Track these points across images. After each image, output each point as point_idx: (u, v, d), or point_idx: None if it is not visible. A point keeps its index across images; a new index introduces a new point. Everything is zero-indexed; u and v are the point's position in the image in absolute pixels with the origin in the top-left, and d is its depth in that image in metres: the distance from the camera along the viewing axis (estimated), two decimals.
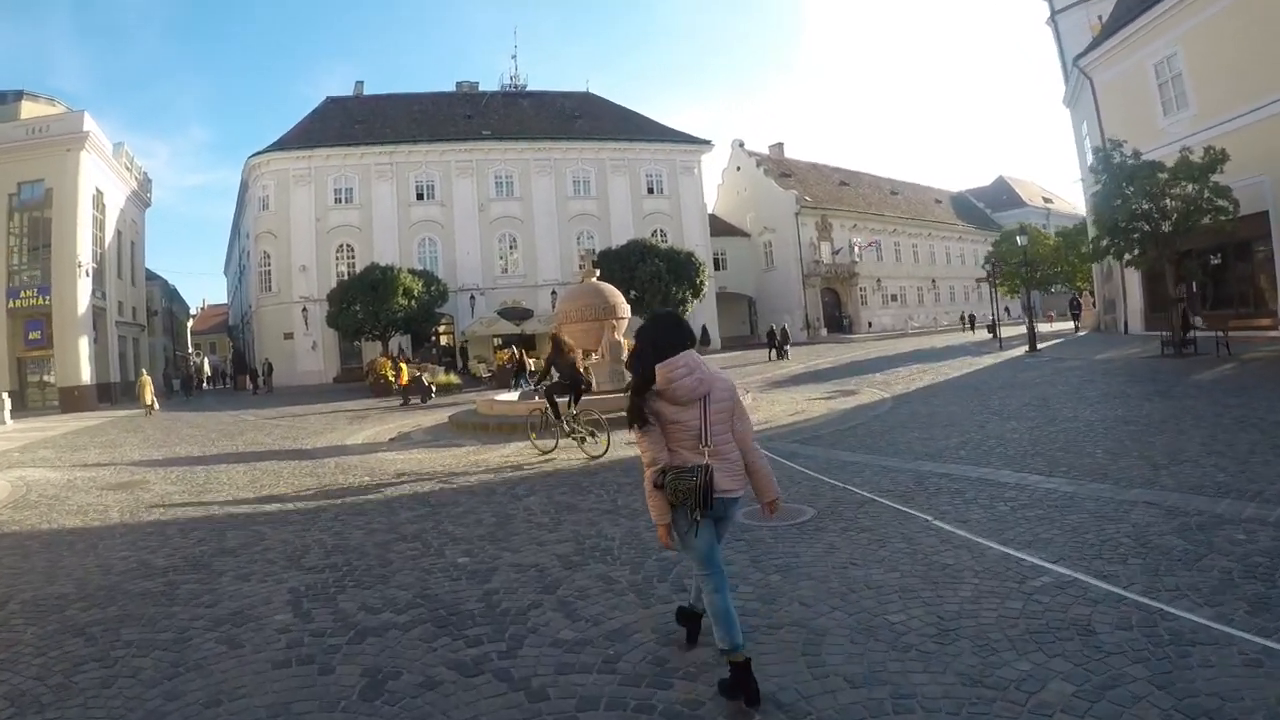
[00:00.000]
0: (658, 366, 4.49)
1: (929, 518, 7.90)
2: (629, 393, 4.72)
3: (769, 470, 4.90)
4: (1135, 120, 31.47)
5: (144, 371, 40.18)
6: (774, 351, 44.48)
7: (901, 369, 28.75)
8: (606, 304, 21.41)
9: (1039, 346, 33.31)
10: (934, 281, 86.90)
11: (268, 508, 11.17)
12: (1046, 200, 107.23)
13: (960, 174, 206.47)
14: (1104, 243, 27.13)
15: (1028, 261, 46.45)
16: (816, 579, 6.39)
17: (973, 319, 62.04)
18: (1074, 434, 12.17)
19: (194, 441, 21.82)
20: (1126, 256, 27.64)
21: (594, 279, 23.12)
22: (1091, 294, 58.59)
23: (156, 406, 36.00)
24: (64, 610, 6.80)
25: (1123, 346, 29.35)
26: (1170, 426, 12.07)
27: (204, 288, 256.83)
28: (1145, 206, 25.23)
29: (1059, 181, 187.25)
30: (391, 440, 19.52)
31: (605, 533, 8.40)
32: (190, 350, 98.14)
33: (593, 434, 14.47)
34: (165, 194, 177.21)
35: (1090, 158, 39.26)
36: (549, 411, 15.33)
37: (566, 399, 14.98)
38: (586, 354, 21.39)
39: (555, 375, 15.50)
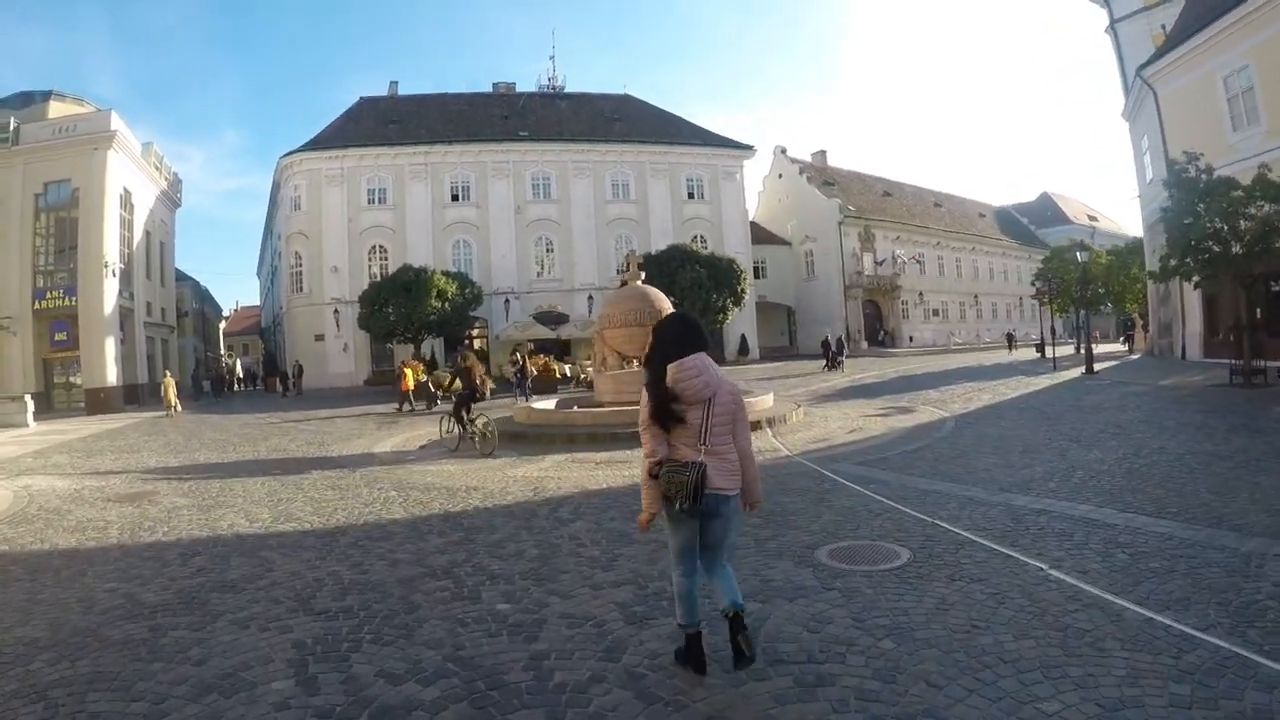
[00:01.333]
0: (670, 366, 4.73)
1: (1043, 566, 6.82)
2: (647, 390, 4.85)
3: (757, 476, 5.10)
4: (1201, 135, 29.67)
5: (168, 373, 39.58)
6: (829, 362, 43.32)
7: (954, 386, 27.71)
8: (652, 309, 20.13)
9: (1095, 369, 31.92)
10: (976, 297, 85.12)
11: (281, 528, 9.98)
12: (1091, 218, 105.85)
13: (1003, 188, 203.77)
14: (1172, 262, 25.70)
15: (1087, 279, 44.72)
16: (939, 648, 5.19)
17: (1011, 338, 60.06)
18: (1167, 468, 10.98)
19: (215, 447, 20.76)
20: (1195, 278, 26.19)
21: (639, 281, 21.83)
22: (1143, 316, 56.95)
23: (179, 408, 35.48)
24: (29, 662, 5.61)
25: (1184, 373, 27.87)
26: (1273, 465, 10.75)
27: (238, 289, 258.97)
28: (1217, 225, 23.72)
29: (1104, 199, 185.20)
30: (421, 448, 18.45)
31: (671, 573, 7.08)
32: (223, 352, 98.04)
33: (486, 436, 16.95)
34: (201, 198, 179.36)
35: (1150, 173, 38.36)
36: (456, 411, 17.97)
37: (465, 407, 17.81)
38: (626, 359, 20.96)
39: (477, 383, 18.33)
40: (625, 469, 13.06)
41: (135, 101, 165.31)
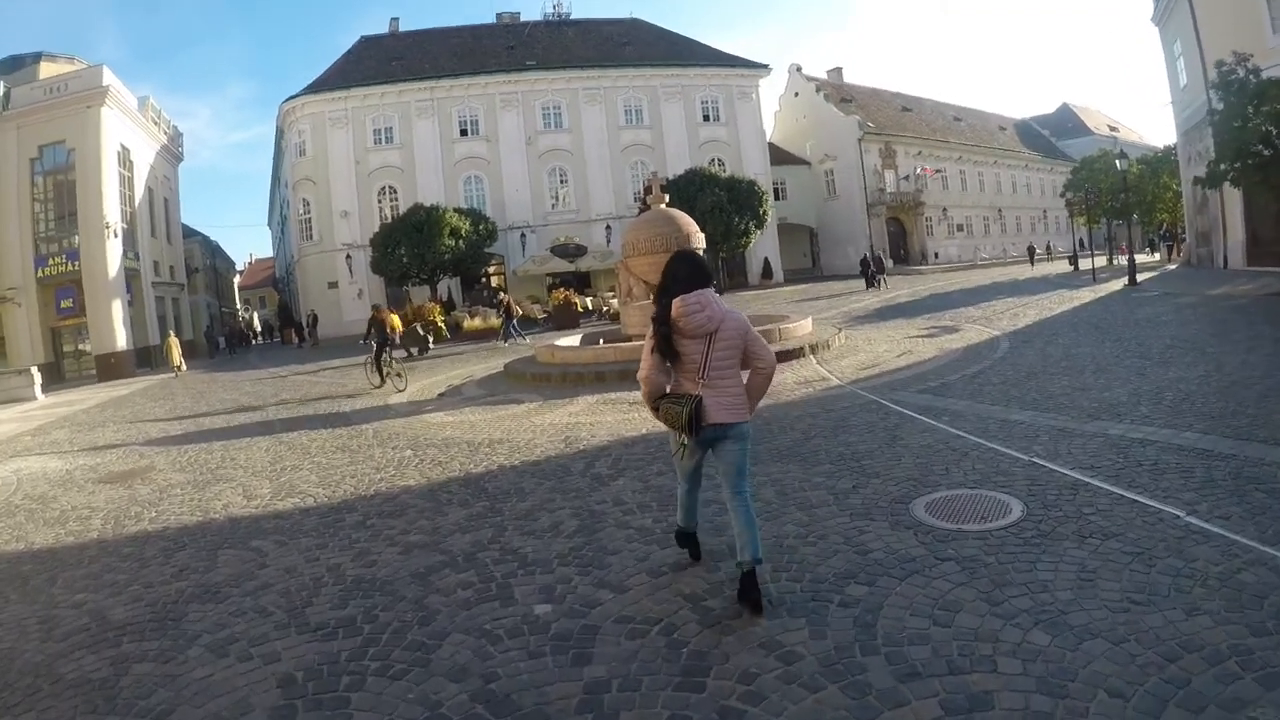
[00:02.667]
0: (674, 300, 4.83)
1: (1178, 513, 5.67)
2: (652, 323, 4.98)
3: (760, 394, 5.17)
4: (1239, 38, 27.77)
5: (171, 333, 38.90)
6: (869, 281, 42.27)
7: (993, 303, 26.34)
8: (680, 233, 18.68)
9: (1138, 280, 30.29)
10: (1000, 211, 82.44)
11: (281, 505, 8.72)
12: (1112, 129, 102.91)
13: (1021, 100, 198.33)
14: (1222, 167, 24.31)
15: (1127, 187, 43.00)
16: (1104, 638, 4.02)
17: (1032, 251, 58.07)
18: (1261, 387, 9.81)
19: (223, 408, 19.63)
20: (1245, 183, 24.96)
21: (663, 205, 20.32)
22: (1173, 226, 55.25)
23: (184, 368, 34.75)
24: None
25: (1231, 282, 26.26)
26: None
27: (252, 243, 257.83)
28: (1268, 129, 22.41)
29: (1124, 109, 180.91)
30: (440, 395, 17.35)
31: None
32: (239, 306, 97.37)
33: (399, 374, 19.94)
34: (210, 153, 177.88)
35: (1184, 79, 37.44)
36: (375, 358, 20.51)
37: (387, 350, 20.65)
38: (653, 288, 18.87)
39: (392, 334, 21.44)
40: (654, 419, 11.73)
41: (137, 62, 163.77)
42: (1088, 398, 10.09)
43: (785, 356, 16.16)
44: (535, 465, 9.26)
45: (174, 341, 35.62)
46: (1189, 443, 7.48)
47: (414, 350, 29.42)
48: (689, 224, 19.27)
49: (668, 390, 5.05)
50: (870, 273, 42.55)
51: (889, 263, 63.52)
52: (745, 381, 5.07)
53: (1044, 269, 49.94)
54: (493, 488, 8.39)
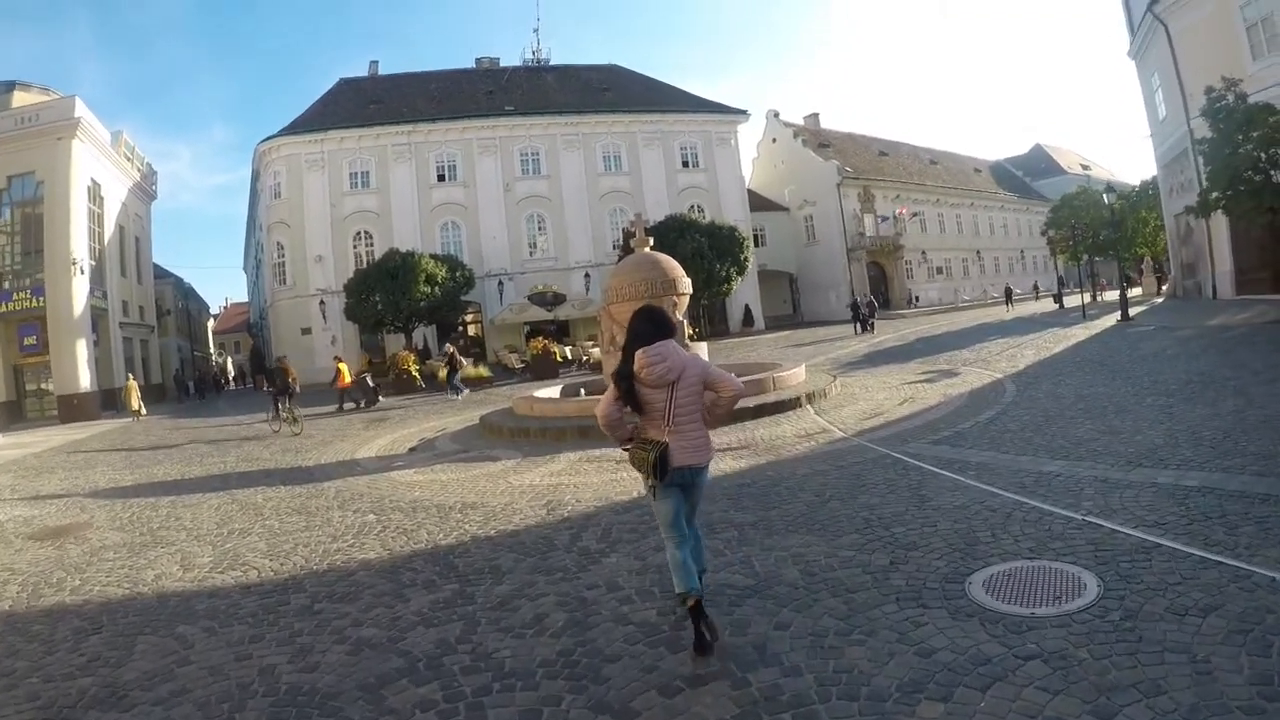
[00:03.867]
0: (637, 353, 5.06)
1: (1274, 575, 4.92)
2: (614, 375, 5.23)
3: (723, 416, 5.45)
4: (1218, 67, 27.98)
5: (130, 376, 37.74)
6: (859, 325, 42.29)
7: (985, 344, 25.68)
8: (666, 278, 17.67)
9: (1130, 314, 29.96)
10: (979, 253, 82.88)
11: (219, 580, 7.56)
12: (1085, 167, 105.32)
13: (995, 142, 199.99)
14: (1214, 195, 23.91)
15: (1115, 221, 42.61)
16: None
17: (1009, 292, 57.59)
18: None
19: (180, 458, 18.41)
20: (1239, 210, 24.91)
21: (648, 248, 19.32)
22: (1154, 259, 55.20)
23: (144, 412, 33.62)
24: None
25: (1225, 313, 26.04)
26: None
27: (228, 287, 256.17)
28: (1259, 155, 22.58)
29: (1097, 147, 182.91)
30: (411, 450, 16.12)
31: (780, 656, 4.69)
32: (213, 351, 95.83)
33: (295, 419, 21.99)
34: (191, 195, 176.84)
35: (1163, 111, 38.16)
36: (274, 403, 22.97)
37: (284, 398, 22.56)
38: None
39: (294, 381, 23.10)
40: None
41: (120, 102, 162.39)
42: (1120, 442, 9.28)
43: (781, 407, 15.30)
44: (513, 536, 8.09)
45: (133, 385, 34.62)
46: (1247, 487, 6.84)
47: (361, 402, 28.38)
48: (674, 268, 18.28)
49: (634, 434, 5.24)
50: (862, 316, 42.23)
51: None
52: (710, 406, 5.25)
53: (1029, 308, 49.72)
54: (464, 565, 7.21)
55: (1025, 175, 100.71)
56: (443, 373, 31.02)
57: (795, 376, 17.96)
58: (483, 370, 35.96)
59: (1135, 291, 52.90)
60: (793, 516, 7.65)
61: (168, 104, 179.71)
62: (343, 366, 29.28)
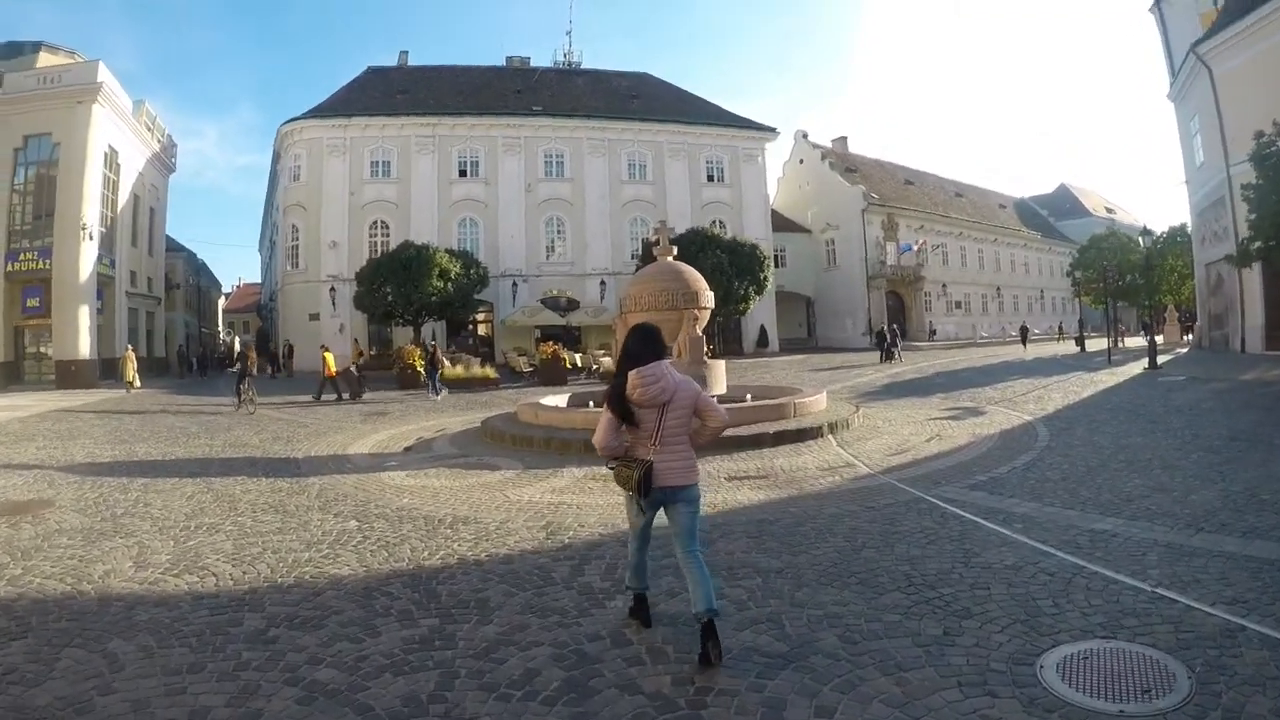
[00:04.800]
0: (630, 373, 5.11)
1: None
2: (608, 395, 5.30)
3: (707, 443, 5.50)
4: (1260, 113, 27.16)
5: (129, 347, 37.16)
6: (884, 354, 42.03)
7: (1010, 383, 24.94)
8: (688, 290, 16.90)
9: (1158, 363, 29.08)
10: (999, 289, 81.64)
11: (172, 583, 6.71)
12: (1109, 210, 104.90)
13: (1018, 179, 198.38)
14: (1256, 245, 23.04)
15: (1150, 266, 41.60)
16: None
17: (1025, 331, 56.79)
18: None
19: (166, 437, 17.66)
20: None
21: (671, 258, 18.47)
22: (1177, 308, 54.43)
23: (138, 384, 33.40)
24: None
25: (1257, 367, 25.30)
26: None
27: (244, 266, 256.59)
28: None
29: (1121, 191, 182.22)
30: (406, 450, 15.29)
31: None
32: (221, 329, 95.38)
33: (252, 400, 23.93)
34: (215, 174, 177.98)
35: (1201, 156, 37.22)
36: (236, 385, 24.64)
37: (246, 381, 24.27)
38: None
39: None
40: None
41: (149, 80, 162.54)
42: (1173, 502, 8.53)
43: (802, 435, 14.37)
44: (506, 563, 7.17)
45: (130, 356, 34.12)
46: None
47: (344, 394, 27.66)
48: (696, 279, 17.49)
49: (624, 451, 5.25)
50: (886, 345, 41.92)
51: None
52: (694, 432, 5.30)
53: (1048, 349, 48.74)
54: (448, 594, 6.30)
55: (1049, 215, 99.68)
56: (420, 364, 30.86)
57: (817, 404, 17.06)
58: (489, 371, 35.09)
59: (1158, 340, 52.23)
60: (823, 565, 6.77)
61: (197, 83, 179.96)
62: (328, 355, 28.55)
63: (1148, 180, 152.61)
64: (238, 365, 26.02)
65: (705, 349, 18.10)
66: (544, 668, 4.84)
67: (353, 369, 29.39)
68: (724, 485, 10.49)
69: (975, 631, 5.15)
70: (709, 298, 17.69)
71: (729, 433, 13.95)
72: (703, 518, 8.58)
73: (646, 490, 5.01)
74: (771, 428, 14.49)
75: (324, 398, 27.11)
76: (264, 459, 14.20)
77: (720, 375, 18.24)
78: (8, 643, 5.40)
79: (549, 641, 5.26)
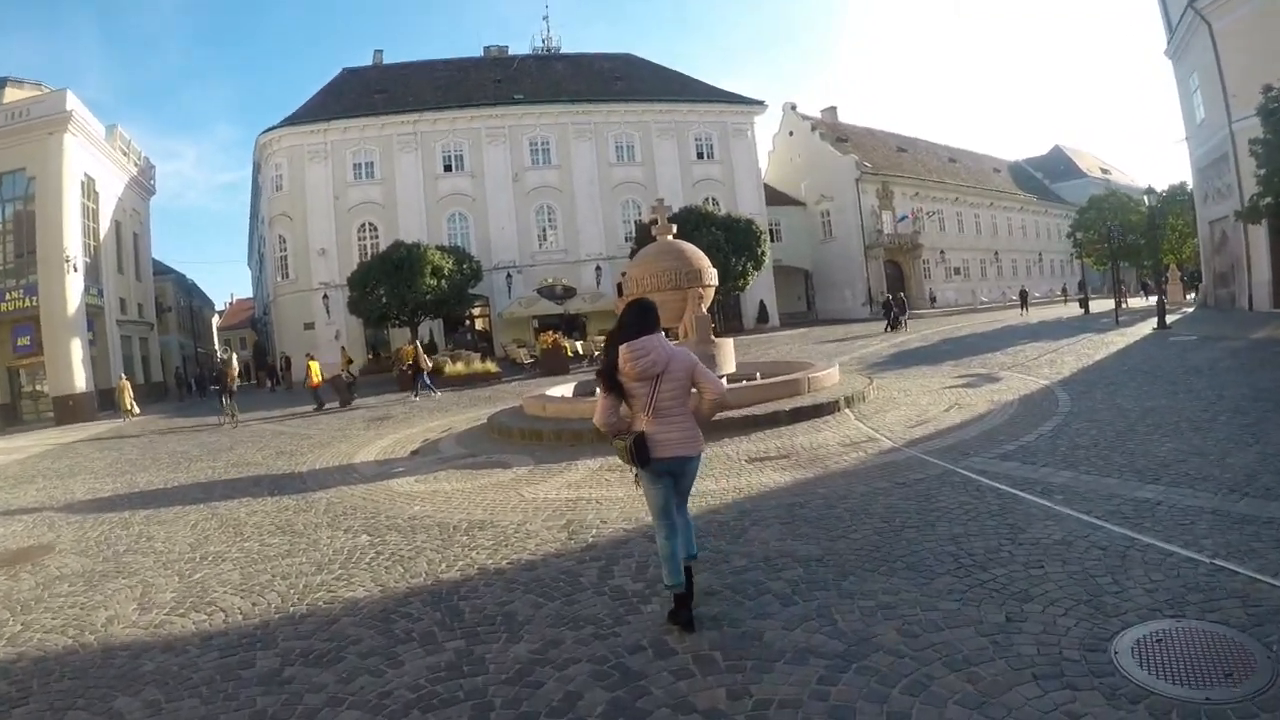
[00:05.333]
0: (621, 347, 5.16)
1: None
2: (599, 372, 5.43)
3: (707, 419, 5.49)
4: (1262, 67, 26.94)
5: (122, 375, 36.75)
6: (890, 323, 41.65)
7: (1020, 348, 24.33)
8: (691, 268, 16.49)
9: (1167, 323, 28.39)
10: (997, 254, 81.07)
11: (179, 624, 6.31)
12: (1104, 171, 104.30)
13: (1013, 142, 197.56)
14: (1265, 200, 22.53)
15: (1154, 225, 40.90)
16: None
17: (1025, 295, 55.91)
18: None
19: (167, 463, 17.18)
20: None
21: (670, 236, 18.03)
22: (1180, 267, 53.88)
23: (136, 411, 32.96)
24: None
25: (1267, 324, 24.59)
26: None
27: (234, 283, 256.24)
28: None
29: (1116, 152, 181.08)
30: (414, 454, 14.91)
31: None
32: (217, 348, 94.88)
33: (234, 415, 25.19)
34: (196, 194, 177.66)
35: (1201, 113, 36.53)
36: (220, 400, 26.21)
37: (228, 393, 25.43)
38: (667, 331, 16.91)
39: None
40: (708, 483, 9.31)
41: (122, 105, 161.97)
42: (1212, 465, 8.10)
43: (819, 411, 13.99)
44: (529, 570, 6.78)
45: (125, 384, 33.71)
46: None
47: (337, 401, 27.35)
48: (699, 257, 17.06)
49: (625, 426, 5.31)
50: (893, 314, 41.62)
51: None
52: (694, 408, 5.35)
53: (1052, 312, 47.87)
54: (471, 611, 5.91)
55: (1044, 177, 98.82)
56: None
57: (830, 377, 16.67)
58: (490, 365, 34.72)
59: (1148, 300, 51.81)
60: (865, 550, 6.39)
61: (171, 105, 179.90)
62: (313, 364, 28.33)
63: (1143, 139, 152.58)
64: (217, 381, 27.43)
65: (711, 326, 17.68)
66: (585, 689, 4.45)
67: (342, 376, 28.94)
68: (746, 468, 10.10)
69: (1039, 616, 4.80)
70: (712, 275, 17.29)
71: (745, 412, 13.64)
72: (730, 504, 8.34)
73: (643, 461, 5.08)
74: (787, 405, 14.13)
75: (326, 406, 26.73)
76: (268, 476, 13.80)
77: (729, 353, 17.85)
78: (9, 711, 5.01)
79: (586, 657, 4.87)
